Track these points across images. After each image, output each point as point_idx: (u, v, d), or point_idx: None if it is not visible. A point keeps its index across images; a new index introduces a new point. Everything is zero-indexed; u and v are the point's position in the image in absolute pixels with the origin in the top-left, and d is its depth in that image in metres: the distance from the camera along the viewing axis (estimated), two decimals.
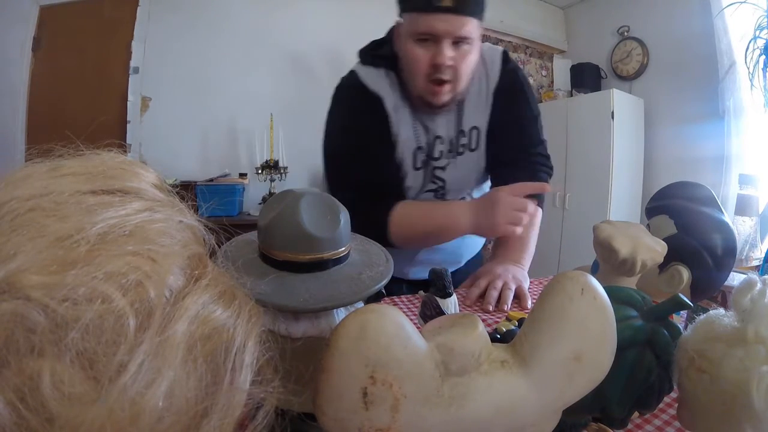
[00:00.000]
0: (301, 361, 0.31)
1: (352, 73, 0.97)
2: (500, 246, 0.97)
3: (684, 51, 2.82)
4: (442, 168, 1.00)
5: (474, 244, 1.16)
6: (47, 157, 0.23)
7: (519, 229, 0.81)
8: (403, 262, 1.05)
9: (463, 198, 1.05)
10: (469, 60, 0.88)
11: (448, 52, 0.84)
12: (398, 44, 0.91)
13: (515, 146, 1.00)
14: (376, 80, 0.94)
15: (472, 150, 1.00)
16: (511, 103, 0.98)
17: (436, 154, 0.98)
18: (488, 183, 1.10)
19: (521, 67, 1.05)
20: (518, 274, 0.86)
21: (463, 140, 0.99)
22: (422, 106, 0.94)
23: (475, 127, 0.99)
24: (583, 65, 3.39)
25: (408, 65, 0.90)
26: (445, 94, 0.89)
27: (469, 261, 1.17)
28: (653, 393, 0.37)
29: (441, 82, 0.87)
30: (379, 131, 0.94)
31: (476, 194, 1.10)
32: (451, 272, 1.10)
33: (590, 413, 0.39)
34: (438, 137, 0.98)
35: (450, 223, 0.89)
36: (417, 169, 0.99)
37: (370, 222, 0.85)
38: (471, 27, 0.84)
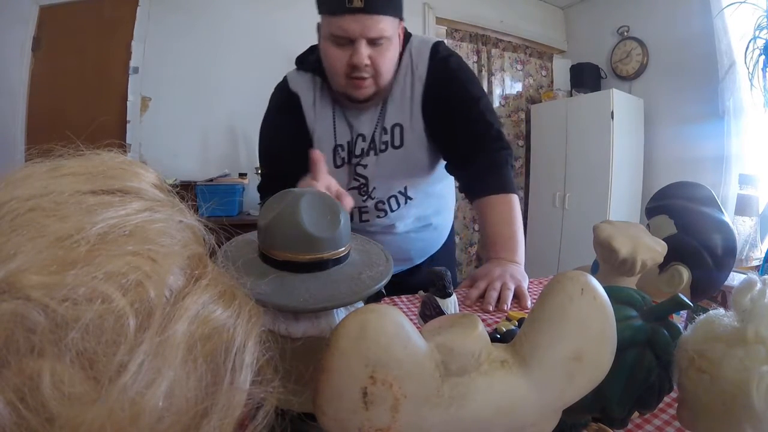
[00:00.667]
0: (301, 361, 0.31)
1: (284, 78, 1.02)
2: (489, 248, 0.95)
3: (684, 51, 2.82)
4: (364, 166, 1.00)
5: (423, 244, 1.14)
6: (47, 157, 0.23)
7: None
8: None
9: (394, 197, 1.04)
10: (389, 56, 0.89)
11: (364, 51, 0.85)
12: (319, 45, 0.93)
13: (464, 135, 0.97)
14: (299, 82, 0.99)
15: (395, 147, 0.99)
16: (444, 92, 0.96)
17: (357, 152, 0.99)
18: (443, 179, 1.10)
19: (461, 55, 1.06)
20: (517, 274, 0.86)
21: (385, 137, 0.99)
22: (347, 103, 0.96)
23: (398, 124, 0.98)
24: (582, 65, 3.39)
25: (327, 65, 0.91)
26: (368, 88, 0.90)
27: (433, 257, 1.15)
28: (653, 393, 0.37)
29: (361, 78, 0.88)
30: (295, 128, 0.98)
31: (430, 189, 1.08)
32: (406, 270, 1.11)
33: (590, 413, 0.39)
34: (360, 135, 0.98)
35: None
36: (337, 167, 1.00)
37: None
38: (385, 25, 0.84)
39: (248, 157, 2.62)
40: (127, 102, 2.37)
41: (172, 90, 2.46)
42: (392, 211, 1.05)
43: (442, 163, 1.05)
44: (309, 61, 0.99)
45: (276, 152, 1.00)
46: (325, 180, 0.64)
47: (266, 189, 1.03)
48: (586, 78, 3.34)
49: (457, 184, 1.11)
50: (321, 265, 0.41)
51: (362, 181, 1.01)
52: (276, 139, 1.01)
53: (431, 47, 0.98)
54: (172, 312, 0.19)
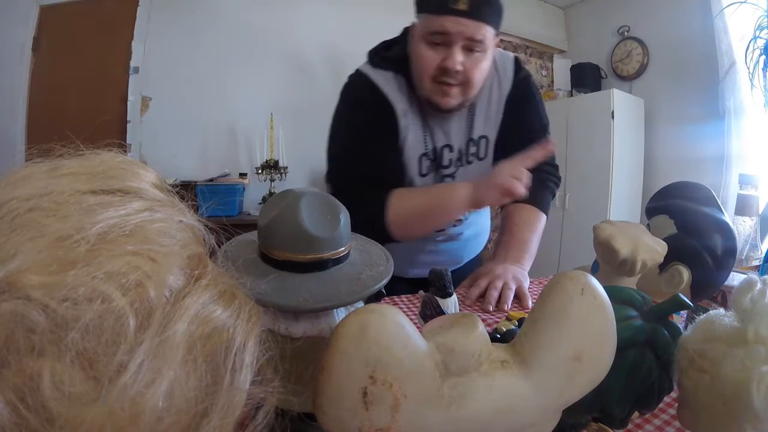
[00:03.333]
0: (301, 361, 0.31)
1: (361, 74, 0.94)
2: (501, 246, 0.96)
3: (684, 51, 2.82)
4: (451, 176, 0.98)
5: (476, 245, 1.16)
6: (47, 157, 0.23)
7: (517, 194, 0.78)
8: (405, 263, 1.05)
9: None
10: (482, 67, 0.86)
11: (458, 56, 0.82)
12: (410, 45, 0.90)
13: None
14: (386, 83, 0.92)
15: (480, 159, 0.99)
16: (522, 112, 0.97)
17: (445, 162, 0.97)
18: None
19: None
20: (518, 274, 0.86)
21: (473, 149, 0.98)
22: (431, 111, 0.93)
23: (484, 136, 0.98)
24: (583, 65, 3.39)
25: (417, 66, 0.88)
26: (454, 97, 0.87)
27: (468, 261, 1.17)
28: (653, 393, 0.37)
29: (449, 84, 0.85)
30: (387, 134, 0.93)
31: None
32: (450, 271, 1.12)
33: (590, 413, 0.39)
34: (447, 145, 0.97)
35: (446, 197, 0.88)
36: (423, 175, 0.97)
37: (369, 215, 0.84)
38: (485, 32, 0.82)
39: (248, 157, 2.62)
40: (127, 102, 2.37)
41: (172, 90, 2.46)
42: (465, 219, 1.05)
43: None
44: (389, 59, 0.94)
45: (365, 165, 0.92)
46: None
47: (362, 197, 0.87)
48: (586, 78, 3.34)
49: None
50: (321, 265, 0.41)
51: None
52: (366, 151, 0.92)
53: (513, 62, 0.98)
54: (172, 312, 0.19)
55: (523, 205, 0.98)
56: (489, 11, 0.82)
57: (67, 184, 0.21)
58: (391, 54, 0.95)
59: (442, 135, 0.96)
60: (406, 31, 0.94)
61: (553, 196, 1.07)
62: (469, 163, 0.99)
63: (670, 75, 2.93)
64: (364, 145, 0.91)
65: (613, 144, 2.84)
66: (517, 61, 0.99)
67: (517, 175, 0.79)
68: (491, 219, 1.27)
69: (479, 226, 1.14)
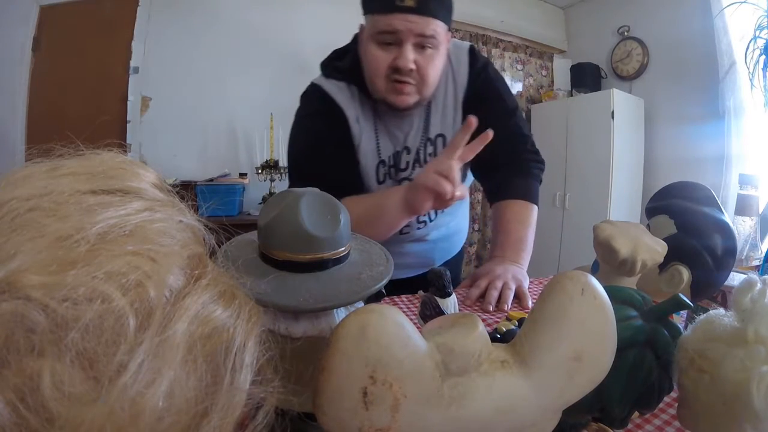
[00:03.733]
0: (301, 361, 0.31)
1: (314, 85, 0.95)
2: (497, 246, 0.95)
3: (684, 51, 2.82)
4: (410, 179, 0.95)
5: (448, 246, 1.14)
6: (47, 157, 0.23)
7: (448, 196, 0.68)
8: None
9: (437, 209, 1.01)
10: (435, 64, 0.84)
11: (410, 54, 0.80)
12: (361, 48, 0.88)
13: (501, 148, 0.94)
14: (338, 92, 0.92)
15: None
16: (484, 103, 0.93)
17: (403, 165, 0.95)
18: (467, 183, 1.08)
19: (493, 61, 1.01)
20: (518, 274, 0.86)
21: (430, 149, 0.96)
22: (388, 113, 0.91)
23: (441, 135, 0.95)
24: (583, 65, 3.39)
25: (368, 68, 0.86)
26: (410, 95, 0.85)
27: (444, 263, 1.15)
28: (653, 393, 0.37)
29: (403, 82, 0.83)
30: (342, 141, 0.92)
31: (459, 205, 1.07)
32: (424, 273, 1.10)
33: (590, 413, 0.39)
34: (405, 148, 0.95)
35: (382, 204, 0.83)
36: (380, 182, 0.96)
37: None
38: (435, 27, 0.80)
39: (248, 157, 2.62)
40: (127, 102, 2.37)
41: (172, 90, 2.46)
42: (431, 221, 1.03)
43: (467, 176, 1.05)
44: (341, 69, 0.93)
45: (320, 170, 0.92)
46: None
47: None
48: (586, 78, 3.34)
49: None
50: (321, 265, 0.41)
51: None
52: (322, 157, 0.92)
53: (468, 53, 0.95)
54: (172, 312, 0.19)
55: (513, 201, 0.96)
56: (438, 6, 0.80)
57: (67, 184, 0.21)
58: (342, 64, 0.94)
59: (400, 138, 0.94)
60: (356, 38, 0.92)
61: (540, 181, 1.03)
62: (427, 163, 0.95)
63: (670, 75, 2.93)
64: (321, 153, 0.91)
65: (613, 144, 2.84)
66: (472, 51, 0.96)
67: (442, 171, 0.68)
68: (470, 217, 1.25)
69: (450, 229, 1.11)
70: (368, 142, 0.93)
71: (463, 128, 0.72)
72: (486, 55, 3.43)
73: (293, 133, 0.99)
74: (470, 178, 1.07)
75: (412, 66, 0.81)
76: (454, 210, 1.08)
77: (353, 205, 0.89)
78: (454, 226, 1.12)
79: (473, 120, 0.72)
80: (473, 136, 0.92)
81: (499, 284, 0.81)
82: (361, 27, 0.88)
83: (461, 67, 0.94)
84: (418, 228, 1.03)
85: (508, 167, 0.97)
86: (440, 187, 0.68)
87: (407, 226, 1.02)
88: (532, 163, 1.00)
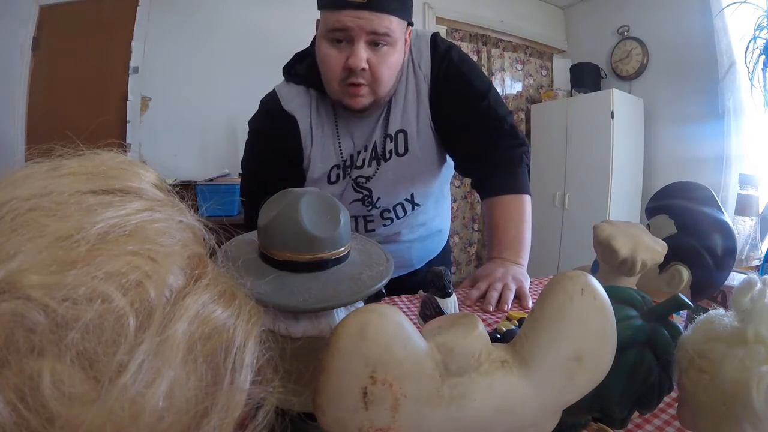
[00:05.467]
0: (301, 361, 0.31)
1: (272, 93, 0.94)
2: (495, 246, 0.93)
3: (684, 51, 2.82)
4: (366, 178, 0.94)
5: (428, 247, 1.12)
6: (47, 157, 0.23)
7: None
8: None
9: (401, 204, 0.99)
10: (390, 62, 0.81)
11: (361, 53, 0.77)
12: (316, 46, 0.85)
13: (476, 134, 0.93)
14: (293, 98, 0.91)
15: (400, 155, 0.93)
16: (451, 91, 0.90)
17: (359, 163, 0.93)
18: (446, 182, 1.07)
19: (460, 48, 0.96)
20: (518, 274, 0.85)
21: (390, 145, 0.93)
22: (345, 113, 0.89)
23: (401, 131, 0.92)
24: (582, 65, 3.39)
25: (322, 68, 0.83)
26: (364, 97, 0.83)
27: (427, 263, 1.13)
28: (653, 393, 0.37)
29: (357, 84, 0.81)
30: (287, 153, 0.92)
31: (437, 192, 1.05)
32: (405, 274, 1.09)
33: (590, 413, 0.39)
34: (365, 146, 0.93)
35: None
36: (331, 183, 0.94)
37: None
38: (388, 24, 0.77)
39: None
40: (127, 102, 2.37)
41: (172, 90, 2.46)
42: (398, 218, 1.01)
43: (448, 164, 1.02)
44: (299, 73, 0.92)
45: (262, 178, 0.95)
46: None
47: (248, 204, 0.97)
48: (586, 78, 3.34)
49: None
50: (321, 265, 0.41)
51: (365, 192, 0.96)
52: (265, 165, 0.95)
53: (430, 41, 0.91)
54: (172, 312, 0.19)
55: (504, 197, 0.94)
56: (390, 1, 0.76)
57: (67, 184, 0.21)
58: (301, 67, 0.92)
59: (361, 137, 0.93)
60: (314, 40, 0.89)
61: (527, 165, 0.99)
62: (387, 160, 0.93)
63: (669, 75, 2.93)
64: (266, 171, 0.93)
65: (613, 144, 2.84)
66: (434, 39, 0.92)
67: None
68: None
69: (428, 230, 1.08)
70: (324, 148, 0.92)
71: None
72: (486, 55, 3.45)
73: (246, 145, 1.00)
74: (450, 169, 1.04)
75: (364, 65, 0.79)
76: (429, 209, 1.05)
77: None
78: (433, 227, 1.09)
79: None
80: (445, 122, 0.92)
81: (499, 286, 0.81)
82: (317, 24, 0.85)
83: (422, 57, 0.91)
84: (384, 225, 1.01)
85: (490, 158, 0.94)
86: None
87: (371, 222, 1.01)
88: (515, 149, 0.96)
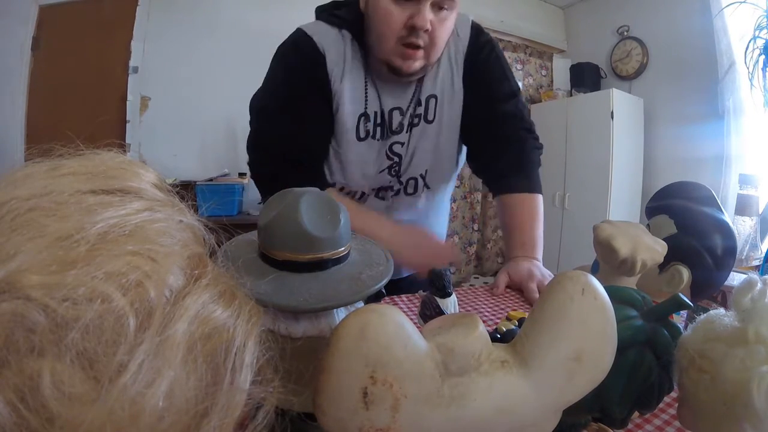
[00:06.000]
0: (301, 361, 0.31)
1: (299, 30, 0.87)
2: (518, 245, 0.91)
3: (684, 51, 2.82)
4: (401, 143, 0.91)
5: None
6: (47, 157, 0.23)
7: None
8: None
9: (415, 179, 0.96)
10: (448, 28, 0.81)
11: (427, 13, 0.76)
12: (370, 2, 0.81)
13: (502, 128, 0.93)
14: (325, 36, 0.85)
15: (428, 122, 0.91)
16: (485, 79, 0.91)
17: (395, 127, 0.89)
18: (452, 186, 1.07)
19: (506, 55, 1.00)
20: (545, 271, 0.87)
21: (419, 110, 0.90)
22: (385, 74, 0.85)
23: (433, 96, 0.90)
24: (582, 65, 3.39)
25: (378, 24, 0.79)
26: (418, 60, 0.81)
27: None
28: (653, 393, 0.37)
29: (415, 47, 0.79)
30: (315, 88, 0.85)
31: (447, 189, 1.04)
32: (395, 280, 1.09)
33: (590, 413, 0.39)
34: (397, 108, 0.89)
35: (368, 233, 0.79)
36: (360, 139, 0.88)
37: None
38: None
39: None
40: (127, 102, 2.38)
41: (172, 90, 2.46)
42: (407, 194, 0.98)
43: (457, 167, 1.02)
44: (339, 16, 0.87)
45: (293, 113, 0.85)
46: None
47: (269, 176, 0.91)
48: (586, 78, 3.35)
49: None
50: (321, 265, 0.41)
51: (395, 159, 0.92)
52: (294, 101, 0.86)
53: (472, 26, 0.93)
54: (172, 312, 0.19)
55: (520, 195, 0.95)
56: None
57: (67, 183, 0.21)
58: (341, 13, 0.87)
59: (391, 96, 0.88)
60: None
61: (540, 163, 1.00)
62: (415, 125, 0.91)
63: (669, 75, 2.94)
64: (291, 113, 0.86)
65: (613, 144, 2.84)
66: (477, 25, 0.93)
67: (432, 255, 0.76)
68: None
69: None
70: (352, 91, 0.87)
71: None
72: None
73: (263, 88, 0.93)
74: (462, 161, 1.04)
75: (429, 26, 0.77)
76: (428, 216, 1.05)
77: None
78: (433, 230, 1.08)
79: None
80: (474, 100, 0.91)
81: (545, 282, 0.82)
82: None
83: (460, 36, 0.91)
84: (395, 196, 0.99)
85: (509, 154, 0.95)
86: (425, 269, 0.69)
87: (394, 193, 0.99)
88: (536, 150, 0.98)
